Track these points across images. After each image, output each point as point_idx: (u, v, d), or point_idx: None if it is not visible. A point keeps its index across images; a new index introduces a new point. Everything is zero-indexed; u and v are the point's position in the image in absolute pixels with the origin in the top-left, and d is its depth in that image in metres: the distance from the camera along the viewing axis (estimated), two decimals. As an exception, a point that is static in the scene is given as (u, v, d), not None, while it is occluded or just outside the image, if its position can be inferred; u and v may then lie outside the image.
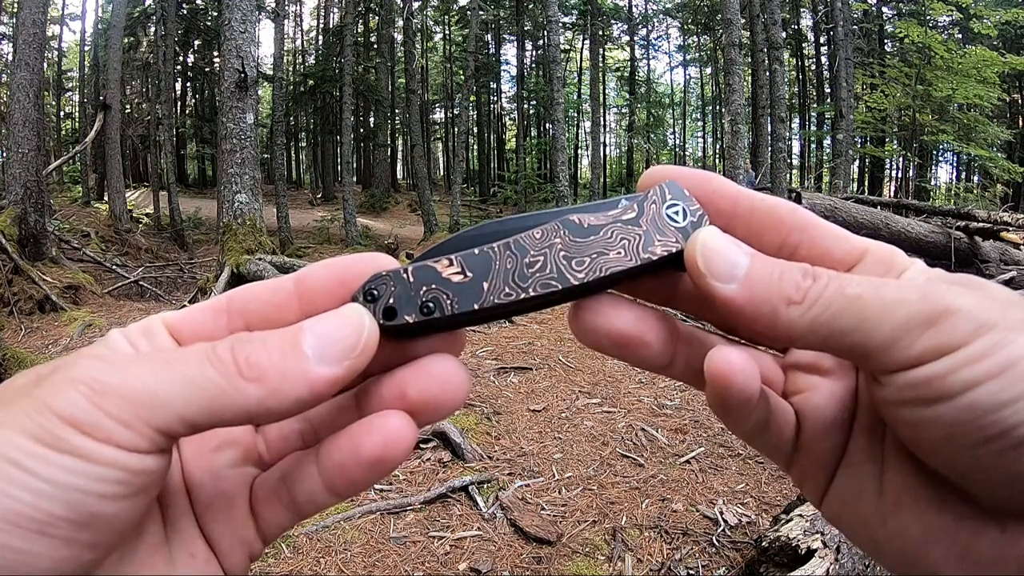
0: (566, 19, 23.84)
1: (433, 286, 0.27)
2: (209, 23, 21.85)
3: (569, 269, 0.27)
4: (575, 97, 27.94)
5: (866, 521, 0.28)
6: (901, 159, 17.90)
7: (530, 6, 23.26)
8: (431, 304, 0.27)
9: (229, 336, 0.26)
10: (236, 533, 0.29)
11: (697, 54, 28.26)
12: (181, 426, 0.23)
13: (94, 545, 0.23)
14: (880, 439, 0.28)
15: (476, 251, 0.27)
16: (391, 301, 0.27)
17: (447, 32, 29.43)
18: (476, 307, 0.27)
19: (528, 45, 26.19)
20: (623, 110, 30.24)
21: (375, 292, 0.27)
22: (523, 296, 0.27)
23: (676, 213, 0.28)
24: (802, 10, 21.51)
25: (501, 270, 0.27)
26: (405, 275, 0.27)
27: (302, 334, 0.25)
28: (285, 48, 18.81)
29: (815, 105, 22.72)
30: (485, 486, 2.68)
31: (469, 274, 0.27)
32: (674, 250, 0.27)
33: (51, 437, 0.21)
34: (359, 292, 0.27)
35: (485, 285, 0.27)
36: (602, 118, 24.91)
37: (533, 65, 26.27)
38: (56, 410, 0.22)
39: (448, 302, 0.27)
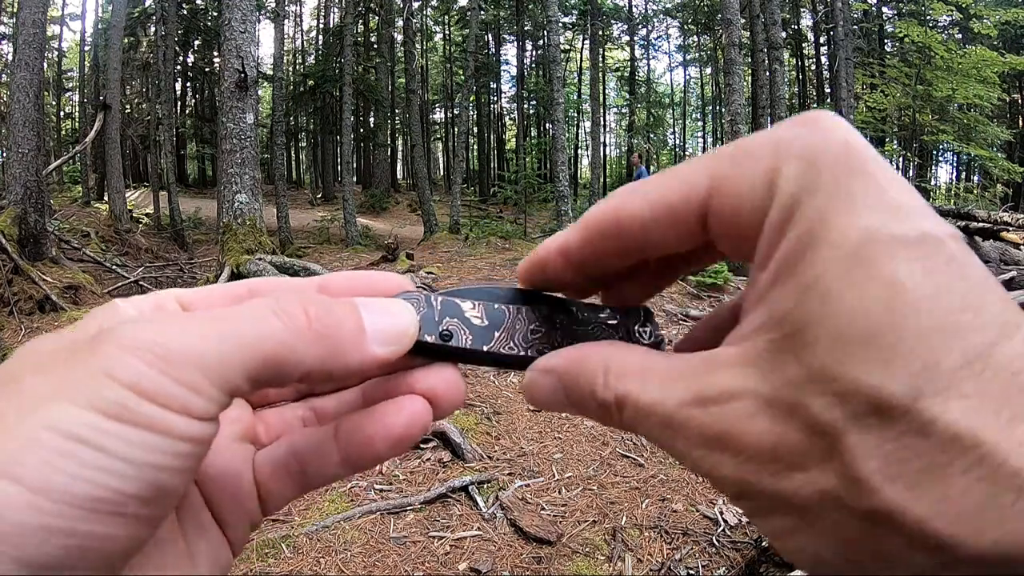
0: (566, 19, 23.85)
1: (455, 320, 0.30)
2: (209, 23, 21.84)
3: (562, 344, 0.31)
4: (575, 97, 27.95)
5: None
6: (901, 159, 17.88)
7: (530, 6, 23.26)
8: (449, 332, 0.30)
9: (290, 294, 0.25)
10: (241, 505, 0.30)
11: (697, 54, 28.26)
12: (247, 384, 0.22)
13: (155, 520, 0.22)
14: None
15: (496, 306, 0.31)
16: (419, 319, 0.30)
17: (447, 32, 29.43)
18: (485, 349, 0.30)
19: (528, 45, 26.20)
20: (623, 110, 30.25)
21: None
22: (522, 354, 0.31)
23: (644, 333, 0.31)
24: (802, 10, 21.51)
25: (510, 328, 0.31)
26: (434, 302, 0.30)
27: (360, 309, 0.26)
28: (285, 48, 18.81)
29: (815, 105, 22.70)
30: (485, 486, 2.68)
31: (486, 321, 0.31)
32: None
33: (123, 410, 0.20)
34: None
35: (496, 334, 0.31)
36: (602, 118, 24.92)
37: (533, 65, 26.28)
38: (123, 380, 0.20)
39: (464, 336, 0.30)
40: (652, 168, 29.97)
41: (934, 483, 0.16)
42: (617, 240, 0.25)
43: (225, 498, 0.30)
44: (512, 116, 29.63)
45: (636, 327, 0.32)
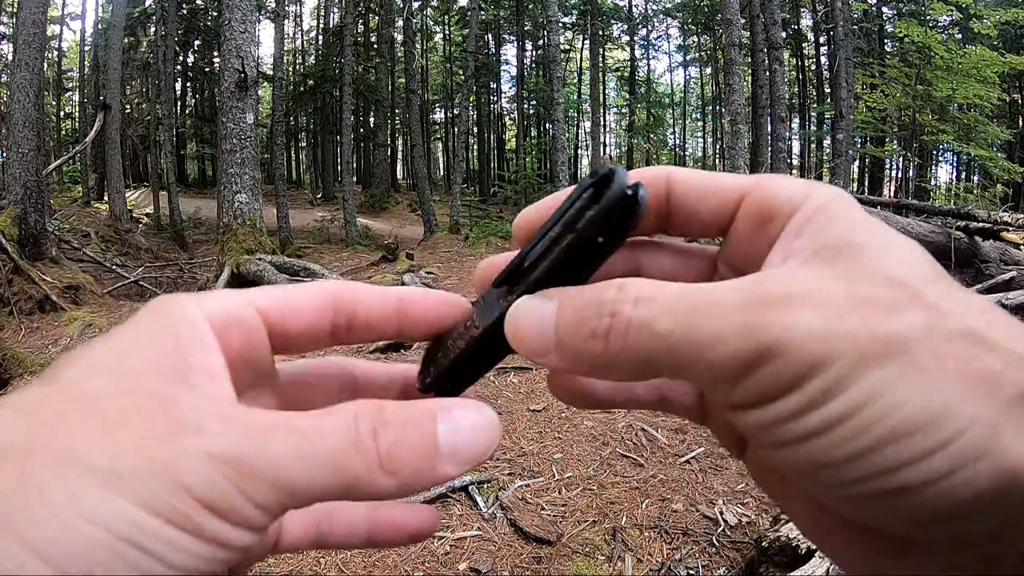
0: (566, 19, 23.85)
1: None
2: (209, 23, 21.85)
3: None
4: (575, 97, 27.94)
5: (773, 494, 0.29)
6: (901, 159, 17.88)
7: (530, 6, 23.26)
8: None
9: (367, 411, 0.23)
10: (258, 548, 0.30)
11: (697, 54, 28.25)
12: (310, 503, 0.22)
13: None
14: None
15: None
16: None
17: (447, 32, 29.43)
18: None
19: (528, 45, 26.19)
20: (623, 110, 30.26)
21: None
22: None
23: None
24: (802, 10, 21.51)
25: None
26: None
27: (439, 425, 0.24)
28: (285, 48, 18.79)
29: (815, 105, 22.70)
30: (485, 486, 2.68)
31: None
32: None
33: (185, 520, 0.19)
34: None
35: None
36: (602, 118, 24.94)
37: (533, 65, 26.26)
38: (194, 492, 0.20)
39: None
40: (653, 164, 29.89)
41: (994, 316, 0.20)
42: (655, 192, 0.28)
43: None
44: (512, 116, 29.61)
45: None
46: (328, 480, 0.22)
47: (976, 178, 23.71)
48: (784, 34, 15.39)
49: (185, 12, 20.88)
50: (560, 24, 13.96)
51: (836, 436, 0.19)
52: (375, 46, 23.89)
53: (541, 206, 0.29)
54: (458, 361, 0.28)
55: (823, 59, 21.07)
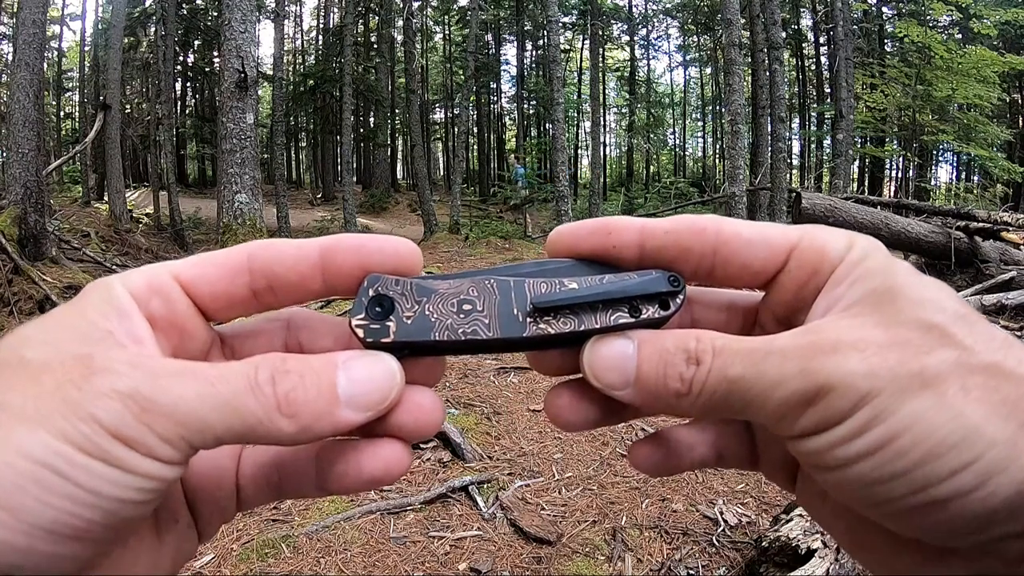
0: (566, 19, 23.84)
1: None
2: (209, 23, 21.84)
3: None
4: (575, 97, 27.93)
5: (820, 518, 0.31)
6: (901, 159, 17.90)
7: (530, 6, 23.27)
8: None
9: (269, 361, 0.26)
10: (219, 502, 0.31)
11: (697, 54, 28.25)
12: (215, 443, 0.24)
13: (115, 541, 0.24)
14: None
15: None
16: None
17: (447, 32, 29.43)
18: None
19: (528, 45, 26.20)
20: (623, 110, 30.23)
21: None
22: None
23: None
24: (802, 10, 21.51)
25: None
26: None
27: (337, 374, 0.26)
28: (285, 48, 18.78)
29: (815, 105, 22.70)
30: (485, 486, 2.68)
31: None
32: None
33: (96, 448, 0.22)
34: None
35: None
36: (602, 118, 24.89)
37: (533, 65, 26.28)
38: (103, 423, 0.22)
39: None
40: (652, 167, 29.88)
41: (1011, 349, 0.23)
42: (702, 241, 0.29)
43: (205, 493, 0.31)
44: (512, 116, 29.63)
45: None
46: (227, 420, 0.24)
47: (976, 178, 23.69)
48: (784, 34, 15.38)
49: (185, 12, 20.87)
50: (560, 24, 13.95)
51: (880, 458, 0.22)
52: (375, 46, 23.88)
53: (578, 229, 0.30)
54: (440, 344, 0.28)
55: (823, 59, 21.07)
